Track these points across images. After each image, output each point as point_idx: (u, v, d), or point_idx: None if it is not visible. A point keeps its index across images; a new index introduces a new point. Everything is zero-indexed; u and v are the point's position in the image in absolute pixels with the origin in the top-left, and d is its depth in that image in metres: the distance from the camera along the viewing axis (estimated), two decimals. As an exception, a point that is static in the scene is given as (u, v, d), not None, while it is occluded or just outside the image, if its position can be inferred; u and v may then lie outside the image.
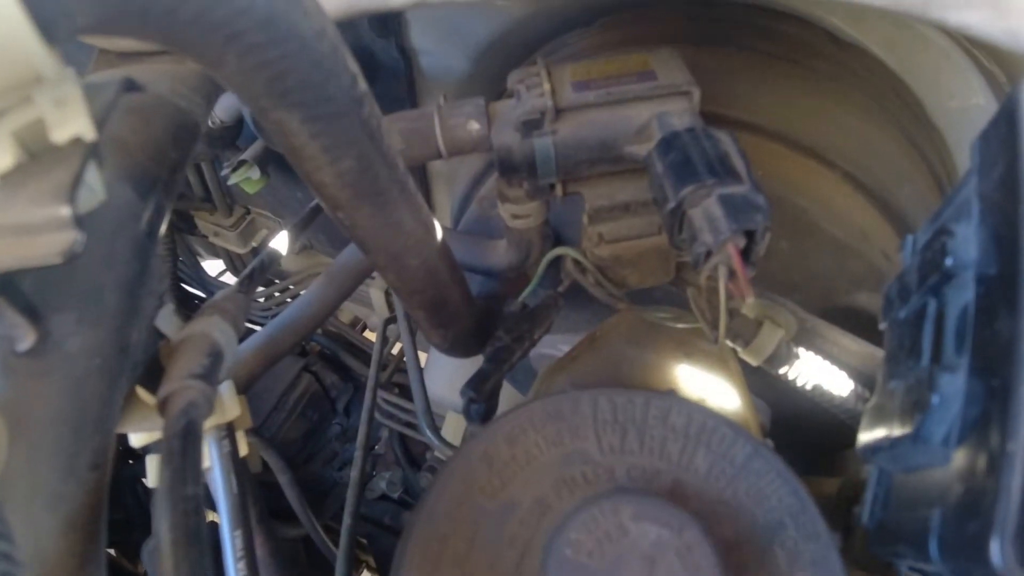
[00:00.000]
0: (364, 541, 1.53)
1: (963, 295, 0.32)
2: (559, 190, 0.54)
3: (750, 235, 0.42)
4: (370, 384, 1.03)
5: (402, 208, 0.41)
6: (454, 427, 1.11)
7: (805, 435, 0.71)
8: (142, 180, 0.42)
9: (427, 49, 0.90)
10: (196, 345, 0.44)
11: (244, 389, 0.69)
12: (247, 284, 0.56)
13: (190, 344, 0.44)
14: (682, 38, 0.74)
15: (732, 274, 0.44)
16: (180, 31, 0.26)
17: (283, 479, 1.04)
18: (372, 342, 1.42)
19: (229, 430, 0.58)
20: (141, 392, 0.45)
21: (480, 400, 0.56)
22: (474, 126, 0.51)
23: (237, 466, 0.58)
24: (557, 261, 0.61)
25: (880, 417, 0.36)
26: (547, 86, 0.50)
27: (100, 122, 0.29)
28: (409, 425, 1.33)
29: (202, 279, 1.58)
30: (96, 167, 0.31)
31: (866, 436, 0.37)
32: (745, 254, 0.43)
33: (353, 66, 0.33)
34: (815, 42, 0.73)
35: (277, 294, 1.51)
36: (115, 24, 0.25)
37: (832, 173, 0.68)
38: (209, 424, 0.58)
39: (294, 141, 0.33)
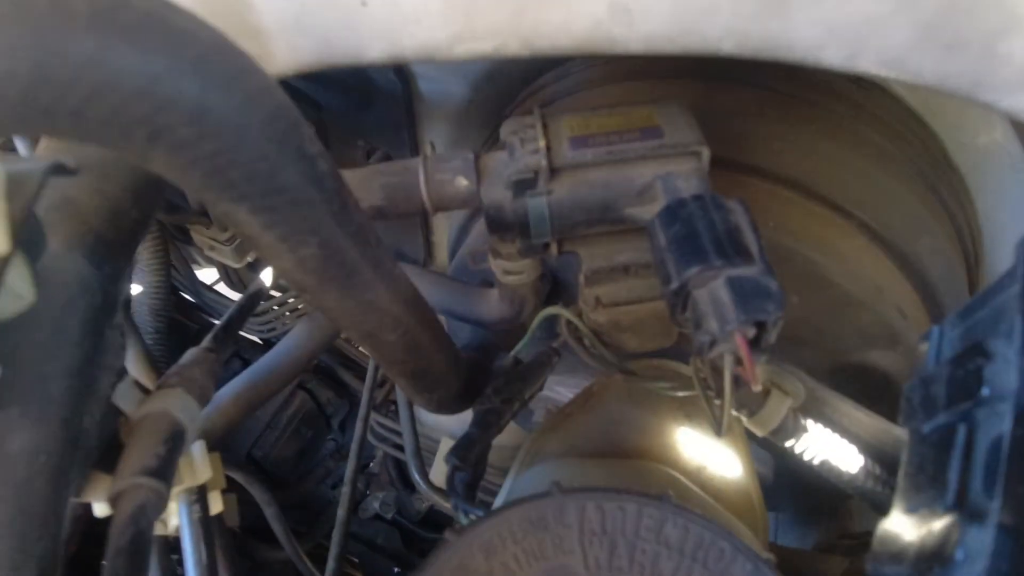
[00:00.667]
0: (356, 560, 1.51)
1: (997, 425, 0.28)
2: (554, 249, 0.51)
3: (760, 323, 0.38)
4: (362, 412, 0.99)
5: (375, 287, 0.37)
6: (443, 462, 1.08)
7: (808, 485, 0.67)
8: (96, 247, 0.39)
9: (426, 73, 0.86)
10: (154, 428, 0.41)
11: (223, 436, 0.66)
12: (219, 341, 0.52)
13: (148, 427, 0.41)
14: (692, 72, 0.70)
15: (739, 360, 0.40)
16: (95, 130, 0.22)
17: (269, 512, 1.01)
18: (369, 357, 1.39)
19: (200, 493, 0.55)
20: (98, 475, 0.42)
21: (465, 469, 0.53)
22: (462, 182, 0.47)
23: (207, 531, 0.55)
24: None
25: (894, 550, 0.32)
26: (542, 142, 0.46)
27: (21, 221, 0.26)
28: (402, 448, 1.29)
29: (196, 289, 1.55)
30: (23, 267, 0.28)
31: (877, 567, 0.33)
32: (754, 342, 0.39)
33: (312, 145, 0.29)
34: (833, 81, 0.69)
35: (275, 308, 1.48)
36: (18, 126, 0.22)
37: (848, 223, 0.64)
38: (179, 488, 0.55)
39: (246, 231, 0.30)
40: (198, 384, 0.47)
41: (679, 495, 0.51)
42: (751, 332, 0.38)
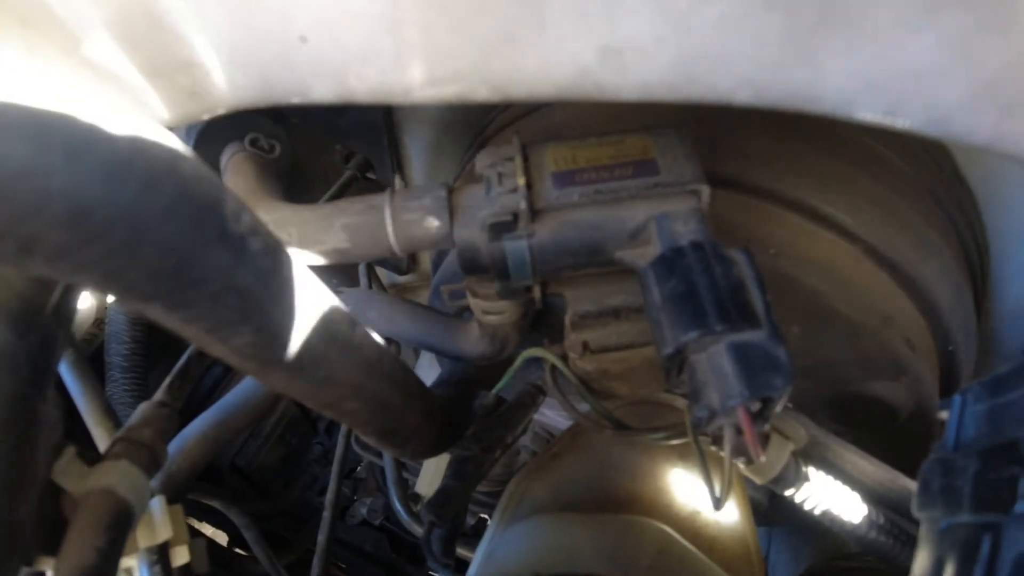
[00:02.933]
0: (344, 567, 1.48)
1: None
2: (536, 292, 0.46)
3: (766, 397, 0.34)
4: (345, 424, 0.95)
5: (329, 362, 0.33)
6: (432, 473, 1.04)
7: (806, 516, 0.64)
8: (22, 314, 0.34)
9: (404, 76, 0.80)
10: (96, 512, 0.37)
11: (188, 480, 0.62)
12: (173, 391, 0.48)
13: (90, 511, 0.37)
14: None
15: (740, 431, 0.36)
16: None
17: (249, 536, 0.97)
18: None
19: (162, 552, 0.52)
20: (41, 560, 0.38)
21: (443, 525, 0.49)
22: (433, 223, 0.42)
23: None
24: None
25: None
26: (522, 180, 0.41)
27: None
28: (388, 457, 1.26)
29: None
30: None
31: None
32: (758, 414, 0.35)
33: (238, 223, 0.25)
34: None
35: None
36: None
37: (853, 247, 0.60)
38: (141, 545, 0.51)
39: (168, 324, 0.25)
40: (147, 449, 0.43)
41: (671, 556, 0.47)
42: (756, 407, 0.34)
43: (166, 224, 0.21)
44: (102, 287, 0.22)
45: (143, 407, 0.46)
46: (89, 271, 0.21)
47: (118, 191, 0.20)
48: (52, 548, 0.37)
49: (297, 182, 0.86)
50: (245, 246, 0.25)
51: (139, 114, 0.23)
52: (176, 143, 0.23)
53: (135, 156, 0.20)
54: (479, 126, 0.86)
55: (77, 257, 0.20)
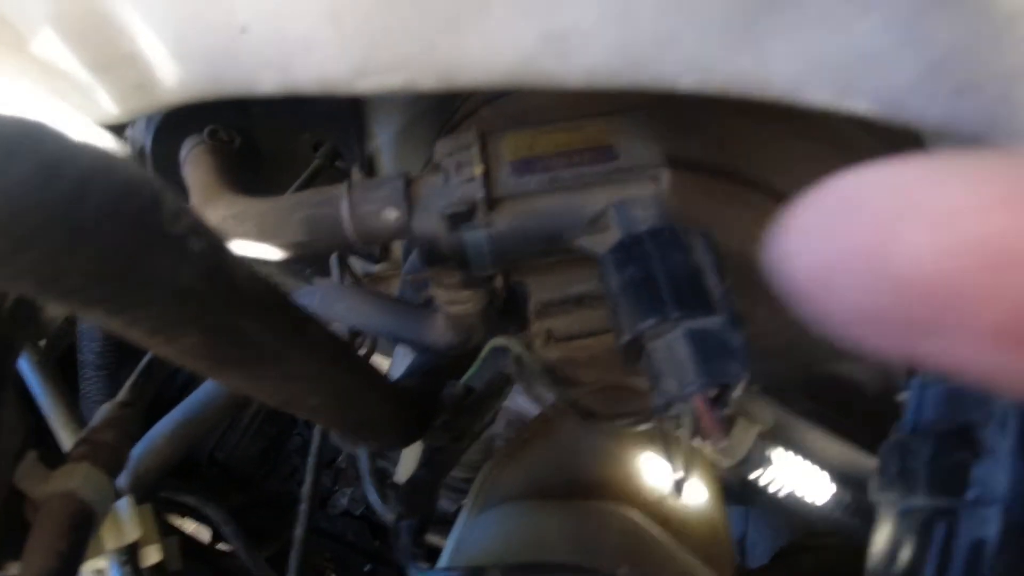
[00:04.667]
0: (328, 556, 1.48)
1: (980, 528, 0.25)
2: (499, 281, 0.46)
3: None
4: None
5: (285, 360, 0.32)
6: (411, 462, 1.04)
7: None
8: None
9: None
10: (57, 516, 0.37)
11: (157, 479, 0.61)
12: (137, 391, 0.47)
13: (51, 514, 0.37)
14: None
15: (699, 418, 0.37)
16: None
17: (226, 531, 0.97)
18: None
19: (131, 553, 0.51)
20: (8, 565, 0.38)
21: (412, 516, 0.49)
22: (392, 213, 0.42)
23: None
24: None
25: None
26: (479, 169, 0.41)
27: None
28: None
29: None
30: None
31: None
32: (716, 398, 0.35)
33: (177, 222, 0.24)
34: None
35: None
36: None
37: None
38: (109, 547, 0.51)
39: (112, 328, 0.25)
40: (109, 450, 0.42)
41: (638, 542, 0.48)
42: (713, 392, 0.34)
43: (101, 228, 0.21)
44: (40, 293, 0.21)
45: (105, 408, 0.46)
46: (22, 279, 0.20)
47: (48, 196, 0.19)
48: (17, 553, 0.37)
49: (265, 171, 0.85)
50: (185, 246, 0.25)
51: (72, 114, 0.22)
52: (110, 144, 0.23)
53: (64, 159, 0.20)
54: (448, 111, 0.85)
55: (11, 264, 0.19)
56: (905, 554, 0.29)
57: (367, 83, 0.29)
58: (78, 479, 0.40)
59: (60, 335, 1.06)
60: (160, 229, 0.23)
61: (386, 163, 0.90)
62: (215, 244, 0.27)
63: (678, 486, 0.39)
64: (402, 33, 0.26)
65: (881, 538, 0.32)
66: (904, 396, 0.37)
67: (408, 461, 1.06)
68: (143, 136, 0.64)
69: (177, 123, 0.63)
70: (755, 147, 0.61)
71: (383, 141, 0.90)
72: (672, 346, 0.35)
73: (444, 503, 1.10)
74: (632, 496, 0.53)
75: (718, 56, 0.26)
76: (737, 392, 0.35)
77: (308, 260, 1.09)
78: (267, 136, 0.82)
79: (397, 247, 1.08)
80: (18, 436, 0.38)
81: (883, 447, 0.34)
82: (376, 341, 1.02)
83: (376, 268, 1.11)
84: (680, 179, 0.43)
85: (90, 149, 0.21)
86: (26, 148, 0.19)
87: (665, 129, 0.44)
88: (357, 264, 1.12)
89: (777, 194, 0.60)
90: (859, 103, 0.30)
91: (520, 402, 0.85)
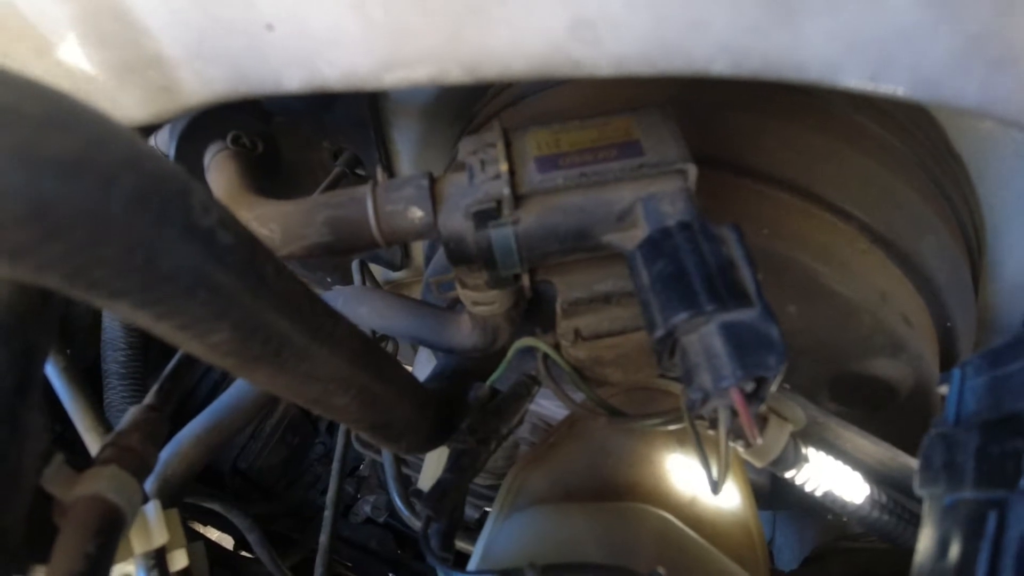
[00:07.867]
0: (349, 565, 1.48)
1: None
2: (526, 280, 0.46)
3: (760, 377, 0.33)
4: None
5: (313, 356, 0.32)
6: (434, 468, 1.04)
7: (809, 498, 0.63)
8: (2, 323, 0.34)
9: (389, 69, 0.79)
10: (85, 518, 0.36)
11: (184, 483, 0.61)
12: (163, 395, 0.48)
13: (79, 517, 0.37)
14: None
15: (735, 412, 0.36)
16: None
17: (252, 538, 0.97)
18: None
19: (159, 557, 0.51)
20: (33, 568, 0.38)
21: (440, 519, 0.48)
22: (416, 213, 0.42)
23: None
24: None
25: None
26: (504, 165, 0.41)
27: None
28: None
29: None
30: None
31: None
32: (753, 394, 0.34)
33: (207, 215, 0.24)
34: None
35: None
36: None
37: (847, 226, 0.59)
38: (137, 551, 0.51)
39: (140, 322, 0.25)
40: (137, 454, 0.42)
41: (673, 544, 0.47)
42: (750, 386, 0.34)
43: (128, 219, 0.21)
44: (67, 285, 0.21)
45: (132, 411, 0.46)
46: (52, 270, 0.20)
47: (76, 185, 0.19)
48: (44, 556, 0.37)
49: (286, 180, 0.86)
50: (214, 239, 0.24)
51: (99, 110, 0.22)
52: (137, 138, 0.23)
53: (92, 151, 0.20)
54: (467, 118, 0.85)
55: (38, 256, 0.19)
56: (955, 549, 0.28)
57: (393, 77, 0.29)
58: (105, 481, 0.39)
59: (86, 344, 1.08)
60: (189, 221, 0.23)
61: (404, 168, 0.90)
62: (245, 238, 0.26)
63: (714, 487, 0.38)
64: (427, 24, 0.26)
65: (928, 534, 0.31)
66: (943, 389, 0.36)
67: (431, 469, 1.06)
68: (167, 143, 0.65)
69: (201, 130, 0.64)
70: (777, 144, 0.60)
71: (402, 147, 0.90)
72: (707, 340, 0.34)
73: (468, 510, 1.09)
74: (663, 498, 0.52)
75: (752, 39, 0.26)
76: (774, 386, 0.34)
77: (329, 269, 1.09)
78: (288, 143, 0.83)
79: (418, 254, 1.08)
80: (45, 439, 0.38)
81: (925, 441, 0.33)
82: (397, 347, 1.02)
83: (397, 275, 1.11)
84: (703, 176, 0.42)
85: (116, 141, 0.21)
86: (50, 142, 0.19)
87: (687, 127, 0.44)
88: (378, 272, 1.12)
89: (802, 192, 0.59)
90: (895, 84, 0.29)
91: (546, 406, 0.84)
